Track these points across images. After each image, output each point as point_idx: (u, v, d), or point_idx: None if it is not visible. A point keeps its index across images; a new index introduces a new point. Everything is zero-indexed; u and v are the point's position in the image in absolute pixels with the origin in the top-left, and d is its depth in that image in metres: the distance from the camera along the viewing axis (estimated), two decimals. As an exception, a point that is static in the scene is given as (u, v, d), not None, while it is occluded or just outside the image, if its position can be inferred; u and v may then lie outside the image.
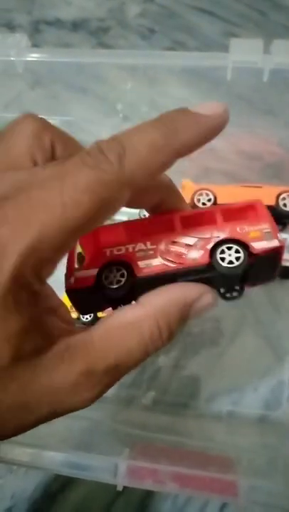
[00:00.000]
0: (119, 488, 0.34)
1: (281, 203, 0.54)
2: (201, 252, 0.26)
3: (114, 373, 0.23)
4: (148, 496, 0.51)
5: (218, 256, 0.26)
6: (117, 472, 0.34)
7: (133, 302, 0.27)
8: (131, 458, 0.35)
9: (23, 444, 0.38)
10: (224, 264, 0.26)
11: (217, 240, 0.26)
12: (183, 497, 0.51)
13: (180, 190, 0.57)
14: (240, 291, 0.28)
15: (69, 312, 0.29)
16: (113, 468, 0.34)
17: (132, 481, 0.34)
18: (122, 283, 0.26)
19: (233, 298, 0.29)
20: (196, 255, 0.26)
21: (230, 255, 0.26)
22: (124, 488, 0.51)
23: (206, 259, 0.26)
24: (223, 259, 0.26)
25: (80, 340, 0.23)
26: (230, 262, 0.26)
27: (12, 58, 0.56)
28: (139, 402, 0.54)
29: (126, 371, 0.24)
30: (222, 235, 0.26)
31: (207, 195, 0.56)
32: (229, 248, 0.26)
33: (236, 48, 0.43)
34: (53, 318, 0.26)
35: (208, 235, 0.27)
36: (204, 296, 0.26)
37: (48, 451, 0.36)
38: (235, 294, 0.28)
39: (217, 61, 0.44)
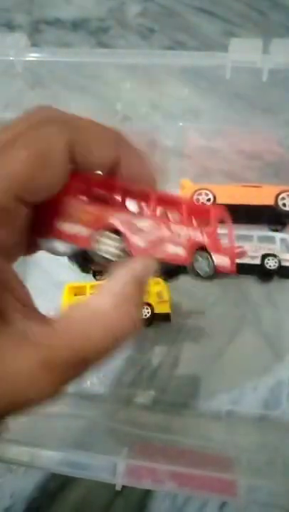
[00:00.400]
0: (118, 488, 0.34)
1: (280, 202, 0.54)
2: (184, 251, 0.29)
3: (80, 365, 0.22)
4: (147, 495, 0.51)
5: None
6: (115, 471, 0.34)
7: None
8: (130, 457, 0.34)
9: (22, 444, 0.38)
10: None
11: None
12: (182, 497, 0.51)
13: (179, 190, 0.57)
14: None
15: (31, 298, 0.28)
16: (112, 468, 0.34)
17: (131, 481, 0.34)
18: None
19: None
20: (180, 252, 0.29)
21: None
22: (124, 487, 0.51)
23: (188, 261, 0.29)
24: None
25: (41, 327, 0.22)
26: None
27: (11, 58, 0.56)
28: (138, 402, 0.54)
29: (93, 363, 0.22)
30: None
31: (206, 194, 0.56)
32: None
33: (235, 48, 0.43)
34: (7, 295, 0.25)
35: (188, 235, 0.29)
36: (149, 266, 0.26)
37: (47, 450, 0.36)
38: None
39: (216, 60, 0.44)
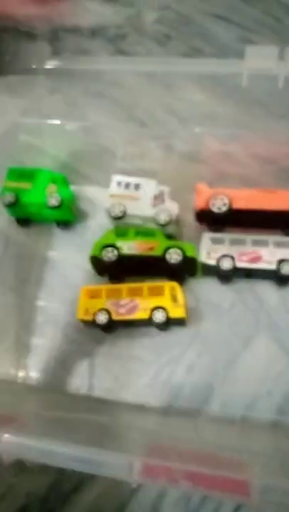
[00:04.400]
0: (134, 486, 0.34)
1: (296, 207, 0.54)
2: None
3: None
4: (161, 498, 0.52)
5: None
6: (132, 469, 0.34)
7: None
8: (146, 455, 0.35)
9: (37, 441, 0.39)
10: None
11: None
12: (196, 500, 0.51)
13: (195, 195, 0.58)
14: None
15: None
16: (128, 466, 0.35)
17: (147, 479, 0.34)
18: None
19: None
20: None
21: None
22: (137, 489, 0.52)
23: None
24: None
25: None
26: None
27: (33, 66, 0.57)
28: (152, 406, 0.55)
29: None
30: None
31: (222, 199, 0.56)
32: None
33: (251, 55, 0.43)
34: None
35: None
36: None
37: (63, 447, 0.37)
38: None
39: (232, 68, 0.45)
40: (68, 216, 0.62)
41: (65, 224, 0.64)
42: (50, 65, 0.56)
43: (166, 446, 0.41)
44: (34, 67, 0.56)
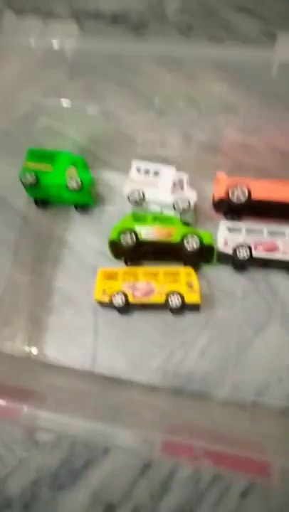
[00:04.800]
0: (153, 462, 0.35)
1: (315, 200, 0.55)
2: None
3: None
4: (170, 477, 0.53)
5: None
6: (153, 446, 0.35)
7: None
8: (166, 432, 0.36)
9: (60, 412, 0.39)
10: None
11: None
12: (205, 480, 0.52)
13: (214, 183, 0.58)
14: None
15: None
16: (149, 442, 0.36)
17: (168, 456, 0.35)
18: None
19: None
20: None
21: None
22: (147, 468, 0.53)
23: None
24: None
25: None
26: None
27: (55, 47, 0.57)
28: (165, 387, 0.56)
29: None
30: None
31: (242, 189, 0.57)
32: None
33: (283, 43, 0.43)
34: None
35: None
36: None
37: (84, 421, 0.37)
38: None
39: (262, 55, 0.45)
40: (87, 200, 0.63)
41: (84, 207, 0.64)
42: (73, 44, 0.55)
43: (184, 425, 0.42)
44: (59, 45, 0.55)
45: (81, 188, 0.61)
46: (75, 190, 0.61)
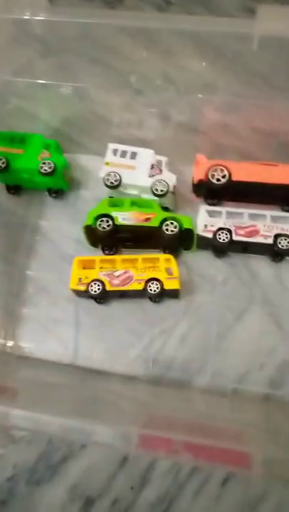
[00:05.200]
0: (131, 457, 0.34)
1: (297, 181, 0.53)
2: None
3: None
4: (149, 469, 0.52)
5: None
6: (129, 440, 0.34)
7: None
8: (143, 426, 0.34)
9: (33, 411, 0.38)
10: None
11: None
12: (184, 472, 0.51)
13: (193, 165, 0.56)
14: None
15: None
16: (126, 437, 0.34)
17: (145, 450, 0.34)
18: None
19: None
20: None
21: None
22: (125, 461, 0.52)
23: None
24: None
25: None
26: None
27: (26, 17, 0.54)
28: (144, 376, 0.54)
29: None
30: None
31: (222, 171, 0.55)
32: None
33: (264, 15, 0.41)
34: None
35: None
36: None
37: (60, 417, 0.36)
38: None
39: (242, 28, 0.42)
40: (61, 184, 0.60)
41: (58, 193, 0.62)
42: (47, 17, 0.52)
43: (163, 416, 0.40)
44: (27, 17, 0.52)
45: (54, 172, 0.58)
46: (48, 175, 0.58)
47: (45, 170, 0.58)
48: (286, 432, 0.48)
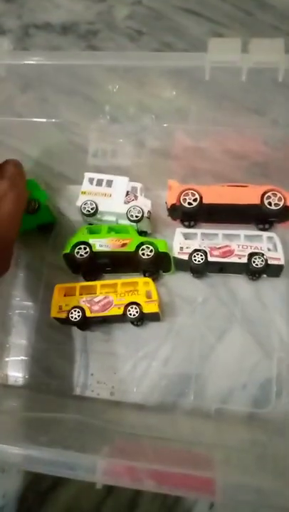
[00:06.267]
0: (99, 486, 0.34)
1: (266, 201, 0.54)
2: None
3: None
4: (138, 495, 0.52)
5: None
6: (95, 470, 0.34)
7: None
8: (110, 455, 0.35)
9: (5, 443, 0.38)
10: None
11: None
12: (172, 496, 0.51)
13: (167, 191, 0.58)
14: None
15: None
16: (92, 466, 0.35)
17: (111, 479, 0.34)
18: None
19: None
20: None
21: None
22: (114, 487, 0.52)
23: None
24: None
25: None
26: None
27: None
28: (127, 400, 0.55)
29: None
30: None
31: (193, 195, 0.56)
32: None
33: (214, 48, 0.43)
34: None
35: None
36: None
37: (26, 449, 0.36)
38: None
39: (196, 61, 0.45)
40: (49, 218, 0.61)
41: (48, 227, 0.63)
42: (14, 61, 0.54)
43: (134, 443, 0.41)
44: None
45: (40, 208, 0.59)
46: (35, 212, 0.58)
47: (32, 208, 0.58)
48: (270, 452, 0.49)
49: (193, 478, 0.33)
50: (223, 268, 0.56)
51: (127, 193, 0.59)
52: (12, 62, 0.52)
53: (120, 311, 0.55)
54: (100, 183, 0.60)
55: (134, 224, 0.59)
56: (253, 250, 0.55)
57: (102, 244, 0.57)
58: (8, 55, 0.51)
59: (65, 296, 0.57)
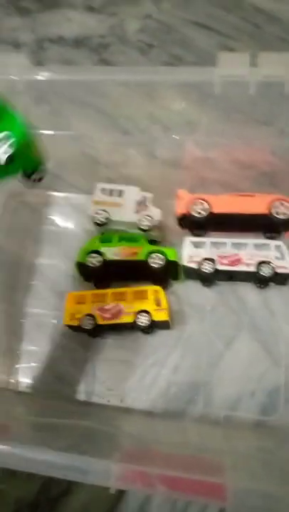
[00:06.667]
0: (113, 491, 0.35)
1: (274, 210, 0.55)
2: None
3: None
4: (148, 500, 0.52)
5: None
6: (110, 475, 0.35)
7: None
8: (121, 461, 0.36)
9: (17, 448, 0.39)
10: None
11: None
12: (182, 501, 0.52)
13: (176, 200, 0.59)
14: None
15: None
16: (106, 471, 0.35)
17: (124, 484, 0.35)
18: None
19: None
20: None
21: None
22: (125, 492, 0.53)
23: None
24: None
25: None
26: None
27: (14, 77, 0.58)
28: (138, 407, 0.55)
29: None
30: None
31: (202, 204, 0.57)
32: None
33: (224, 62, 0.44)
34: None
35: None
36: None
37: (40, 453, 0.37)
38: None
39: (205, 76, 0.46)
40: (31, 163, 0.47)
41: (39, 173, 0.48)
42: (32, 76, 0.56)
43: (146, 450, 0.42)
44: (14, 78, 0.56)
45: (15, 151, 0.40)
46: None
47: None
48: (278, 458, 0.49)
49: (204, 483, 0.34)
50: (232, 276, 0.57)
51: (138, 203, 0.61)
52: (28, 77, 0.54)
53: (131, 319, 0.56)
54: (111, 192, 0.62)
55: (144, 233, 0.60)
56: (261, 259, 0.55)
57: (113, 252, 0.58)
58: (25, 70, 0.53)
59: (77, 303, 0.58)
